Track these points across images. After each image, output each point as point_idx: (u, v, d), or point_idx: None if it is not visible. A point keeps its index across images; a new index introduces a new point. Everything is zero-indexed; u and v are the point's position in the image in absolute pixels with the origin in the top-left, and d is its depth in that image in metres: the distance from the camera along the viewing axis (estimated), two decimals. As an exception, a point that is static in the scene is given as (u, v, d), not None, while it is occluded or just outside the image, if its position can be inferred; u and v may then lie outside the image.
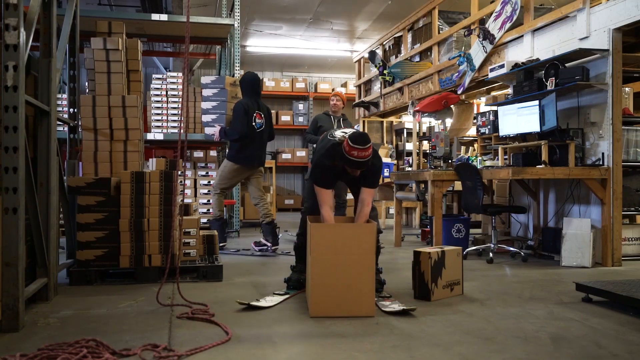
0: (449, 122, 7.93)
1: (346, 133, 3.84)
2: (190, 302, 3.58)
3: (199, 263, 4.57)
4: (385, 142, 12.42)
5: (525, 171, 5.29)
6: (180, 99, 7.71)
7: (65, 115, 4.99)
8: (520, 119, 5.76)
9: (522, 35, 6.19)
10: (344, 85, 13.59)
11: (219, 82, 7.19)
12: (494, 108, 6.97)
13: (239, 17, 7.74)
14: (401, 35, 9.47)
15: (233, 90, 7.19)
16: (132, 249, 4.34)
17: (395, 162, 11.16)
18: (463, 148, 9.74)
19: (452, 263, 3.93)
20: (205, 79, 7.25)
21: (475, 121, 7.73)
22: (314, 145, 7.01)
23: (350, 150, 3.58)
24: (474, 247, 5.96)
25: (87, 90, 4.90)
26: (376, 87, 10.27)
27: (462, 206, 6.76)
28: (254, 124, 6.07)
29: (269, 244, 6.12)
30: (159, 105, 7.72)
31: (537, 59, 5.79)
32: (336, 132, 3.95)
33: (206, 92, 7.17)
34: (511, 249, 5.80)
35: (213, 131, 6.70)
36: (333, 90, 11.44)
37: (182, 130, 3.40)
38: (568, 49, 5.40)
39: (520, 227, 6.40)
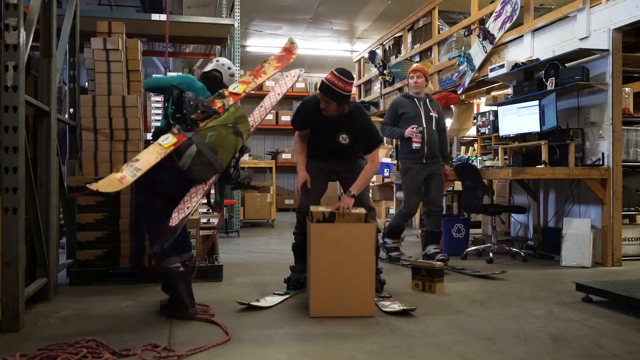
0: (449, 122, 7.93)
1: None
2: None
3: (199, 263, 4.56)
4: (385, 142, 12.40)
5: (525, 171, 5.29)
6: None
7: (66, 115, 4.98)
8: (520, 119, 5.76)
9: (522, 35, 6.19)
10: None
11: None
12: (494, 108, 6.97)
13: (239, 17, 7.73)
14: (401, 35, 9.47)
15: None
16: (132, 249, 4.34)
17: (395, 162, 11.15)
18: (463, 148, 9.74)
19: None
20: None
21: (475, 121, 7.73)
22: (396, 142, 5.88)
23: (327, 76, 3.66)
24: (474, 247, 5.96)
25: (87, 90, 4.89)
26: (376, 87, 10.27)
27: (462, 206, 6.76)
28: None
29: None
30: (159, 105, 7.71)
31: (537, 59, 5.79)
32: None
33: None
34: (511, 249, 5.80)
35: None
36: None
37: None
38: (568, 49, 5.40)
39: (520, 227, 6.40)
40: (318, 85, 3.77)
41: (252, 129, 3.62)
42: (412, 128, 5.13)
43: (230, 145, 3.37)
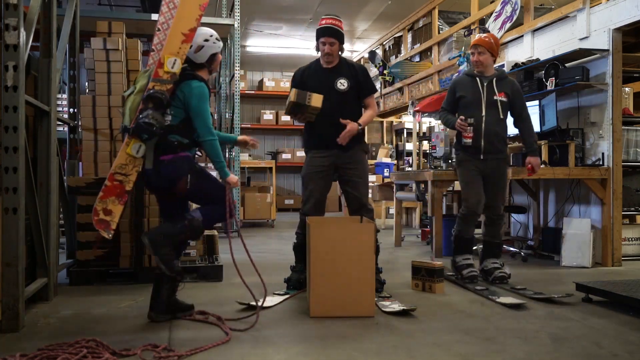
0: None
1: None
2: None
3: (199, 263, 4.57)
4: (385, 142, 12.42)
5: (525, 171, 5.28)
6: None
7: (65, 115, 4.99)
8: (520, 119, 5.75)
9: (522, 35, 6.19)
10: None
11: None
12: (494, 108, 6.96)
13: (239, 17, 7.73)
14: (401, 35, 9.47)
15: None
16: (132, 249, 4.34)
17: (395, 162, 11.16)
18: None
19: None
20: None
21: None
22: (450, 130, 5.28)
23: (321, 21, 3.90)
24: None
25: (87, 90, 4.90)
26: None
27: (462, 206, 6.75)
28: None
29: None
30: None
31: (537, 59, 5.79)
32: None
33: None
34: (511, 249, 5.80)
35: None
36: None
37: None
38: (568, 49, 5.40)
39: (520, 227, 6.40)
40: (316, 35, 3.92)
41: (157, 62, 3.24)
42: (461, 120, 4.26)
43: (132, 107, 3.21)
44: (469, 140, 4.28)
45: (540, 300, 3.74)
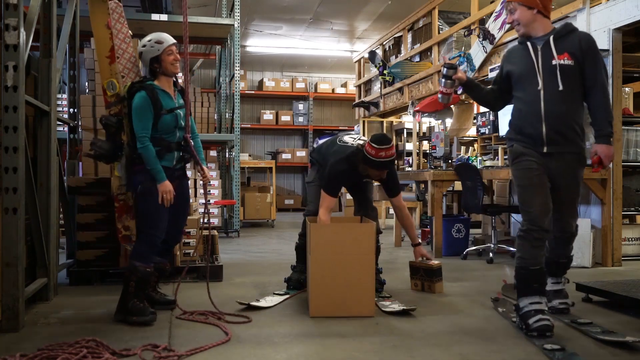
0: (449, 122, 7.93)
1: (354, 138, 3.96)
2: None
3: (199, 263, 4.57)
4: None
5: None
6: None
7: (65, 115, 4.99)
8: (520, 119, 5.74)
9: (522, 35, 6.18)
10: (344, 85, 13.58)
11: None
12: (494, 108, 6.96)
13: (239, 17, 7.73)
14: (401, 35, 9.46)
15: None
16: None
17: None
18: (463, 148, 9.73)
19: None
20: None
21: (475, 121, 7.73)
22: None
23: (378, 153, 3.63)
24: (474, 247, 5.95)
25: (87, 90, 4.89)
26: (376, 87, 10.26)
27: (462, 206, 6.75)
28: None
29: None
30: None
31: (537, 59, 5.78)
32: (344, 137, 4.03)
33: None
34: (511, 249, 5.79)
35: None
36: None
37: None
38: (568, 49, 5.40)
39: (520, 227, 6.39)
40: (365, 159, 3.68)
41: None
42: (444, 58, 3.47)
43: None
44: (443, 97, 3.33)
45: (609, 344, 2.77)
